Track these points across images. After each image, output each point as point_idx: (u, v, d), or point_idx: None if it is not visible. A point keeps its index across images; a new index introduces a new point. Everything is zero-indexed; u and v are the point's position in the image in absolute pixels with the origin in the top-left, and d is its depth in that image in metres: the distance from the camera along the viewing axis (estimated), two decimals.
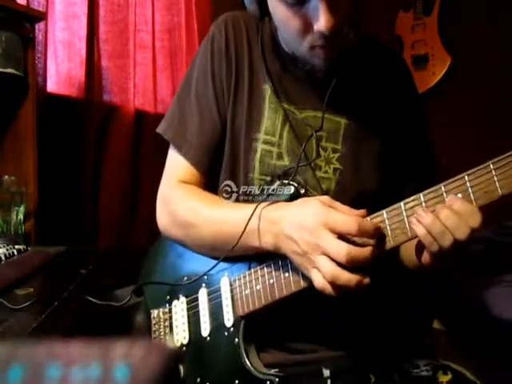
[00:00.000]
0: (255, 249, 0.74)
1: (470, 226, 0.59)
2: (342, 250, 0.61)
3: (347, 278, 0.62)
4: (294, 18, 0.70)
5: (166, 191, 0.87)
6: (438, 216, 0.60)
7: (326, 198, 0.68)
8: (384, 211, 0.66)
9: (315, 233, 0.64)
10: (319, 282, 0.64)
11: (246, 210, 0.74)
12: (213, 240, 0.78)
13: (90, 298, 0.85)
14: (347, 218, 0.63)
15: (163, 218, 0.87)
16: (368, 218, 0.66)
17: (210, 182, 0.86)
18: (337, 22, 0.67)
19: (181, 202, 0.83)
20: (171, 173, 0.87)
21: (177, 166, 0.86)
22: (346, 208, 0.66)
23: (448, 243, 0.60)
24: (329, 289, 0.63)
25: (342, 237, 0.63)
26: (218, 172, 0.86)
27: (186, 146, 0.84)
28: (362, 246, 0.63)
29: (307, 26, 0.70)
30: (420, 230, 0.62)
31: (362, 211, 0.66)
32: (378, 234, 0.65)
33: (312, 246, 0.64)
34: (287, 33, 0.75)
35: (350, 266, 0.61)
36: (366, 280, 0.62)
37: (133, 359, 0.20)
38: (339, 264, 0.62)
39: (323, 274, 0.63)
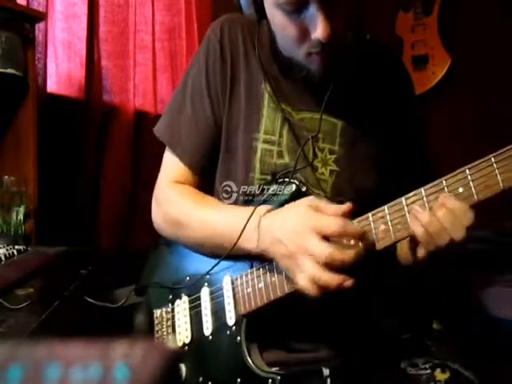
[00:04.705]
0: (244, 251, 0.75)
1: (464, 225, 0.60)
2: (323, 250, 0.64)
3: (327, 277, 0.63)
4: (292, 25, 0.71)
5: (161, 191, 0.88)
6: (435, 215, 0.61)
7: (313, 200, 0.70)
8: (385, 206, 0.66)
9: (301, 235, 0.66)
10: (301, 282, 0.66)
11: (236, 212, 0.76)
12: (203, 240, 0.81)
13: (88, 299, 0.85)
14: (333, 220, 0.66)
15: (156, 217, 0.89)
16: (355, 221, 0.68)
17: (204, 182, 0.88)
18: (334, 29, 0.68)
19: (174, 202, 0.84)
20: (166, 173, 0.89)
21: (172, 166, 0.88)
22: (331, 207, 0.68)
23: (444, 242, 0.61)
24: (310, 289, 0.65)
25: (327, 239, 0.65)
26: (213, 173, 0.87)
27: (180, 147, 0.86)
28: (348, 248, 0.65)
29: (304, 33, 0.71)
30: (418, 229, 0.62)
31: (348, 205, 0.67)
32: (363, 237, 0.67)
33: (299, 248, 0.67)
34: (284, 39, 0.76)
35: (331, 265, 0.63)
36: (348, 282, 0.63)
37: (133, 359, 0.20)
38: (323, 266, 0.64)
39: (306, 274, 0.65)
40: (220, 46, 0.85)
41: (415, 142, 0.87)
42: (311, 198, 0.71)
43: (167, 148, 0.89)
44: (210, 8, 2.20)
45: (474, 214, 0.60)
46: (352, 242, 0.66)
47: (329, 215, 0.67)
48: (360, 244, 0.66)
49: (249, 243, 0.74)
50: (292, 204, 0.72)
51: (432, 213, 0.61)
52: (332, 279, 0.63)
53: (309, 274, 0.65)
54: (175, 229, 0.84)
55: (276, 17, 0.73)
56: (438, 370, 0.74)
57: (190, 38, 2.07)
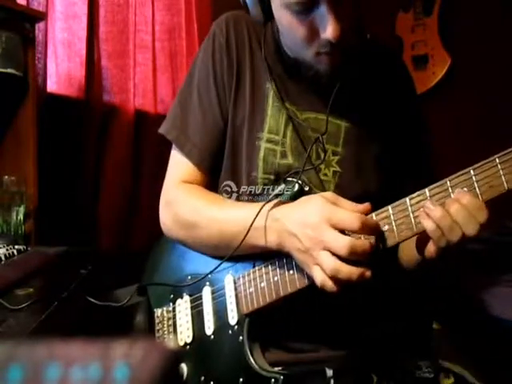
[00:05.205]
0: (259, 248, 0.74)
1: (478, 222, 0.60)
2: (343, 242, 0.62)
3: (348, 270, 0.62)
4: (300, 26, 0.70)
5: (169, 192, 0.86)
6: (448, 210, 0.60)
7: (329, 194, 0.69)
8: (389, 207, 0.66)
9: (318, 229, 0.65)
10: (320, 277, 0.64)
11: (249, 208, 0.74)
12: (217, 240, 0.78)
13: (91, 299, 0.85)
14: (350, 214, 0.64)
15: (166, 219, 0.86)
16: (373, 214, 0.67)
17: (212, 181, 0.86)
18: (343, 29, 0.68)
19: (184, 202, 0.82)
20: (174, 173, 0.87)
21: (179, 166, 0.86)
22: (349, 204, 0.67)
23: (456, 238, 0.61)
24: (329, 284, 0.64)
25: (344, 233, 0.64)
26: (218, 172, 0.86)
27: (189, 145, 0.84)
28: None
29: (313, 34, 0.70)
30: (429, 224, 0.62)
31: (366, 205, 0.67)
32: (380, 231, 0.65)
33: (314, 242, 0.65)
34: (292, 39, 0.75)
35: (351, 258, 0.62)
36: (368, 273, 0.62)
37: (133, 359, 0.20)
38: (341, 259, 0.62)
39: (324, 268, 0.63)
40: (226, 41, 0.84)
41: (416, 142, 0.87)
42: (329, 193, 0.70)
43: (174, 147, 0.88)
44: (210, 8, 2.20)
45: (488, 211, 0.60)
46: (368, 236, 0.65)
47: (345, 209, 0.66)
48: (374, 238, 0.65)
49: (258, 237, 0.72)
50: (307, 197, 0.71)
51: (444, 208, 0.61)
52: (353, 271, 0.62)
53: (327, 268, 0.63)
54: (186, 229, 0.82)
55: (284, 17, 0.72)
56: (442, 375, 0.74)
57: (189, 38, 2.07)
